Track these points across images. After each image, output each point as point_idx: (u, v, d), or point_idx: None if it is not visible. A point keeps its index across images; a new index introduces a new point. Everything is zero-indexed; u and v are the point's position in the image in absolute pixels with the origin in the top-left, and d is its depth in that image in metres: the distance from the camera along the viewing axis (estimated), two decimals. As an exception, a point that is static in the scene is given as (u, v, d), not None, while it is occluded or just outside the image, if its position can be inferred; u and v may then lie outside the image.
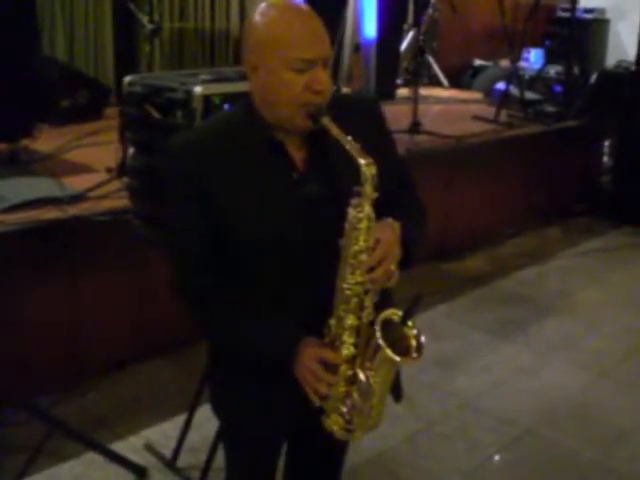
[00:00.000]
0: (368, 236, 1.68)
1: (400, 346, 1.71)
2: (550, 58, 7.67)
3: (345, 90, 5.25)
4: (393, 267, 1.71)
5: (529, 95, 6.54)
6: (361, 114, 1.86)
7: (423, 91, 6.09)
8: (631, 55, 7.11)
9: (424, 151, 5.15)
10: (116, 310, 3.71)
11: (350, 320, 1.73)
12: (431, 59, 7.57)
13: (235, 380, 1.91)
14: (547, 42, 8.34)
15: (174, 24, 6.21)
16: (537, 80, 7.03)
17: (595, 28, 8.61)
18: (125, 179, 3.55)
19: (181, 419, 3.14)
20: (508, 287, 5.10)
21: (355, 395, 1.76)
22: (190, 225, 1.80)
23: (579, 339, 4.39)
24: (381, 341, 1.68)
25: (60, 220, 3.38)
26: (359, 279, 1.70)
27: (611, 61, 8.22)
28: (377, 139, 1.83)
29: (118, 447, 3.16)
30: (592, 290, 5.11)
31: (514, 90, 6.38)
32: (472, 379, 3.91)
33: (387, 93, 6.44)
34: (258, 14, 1.72)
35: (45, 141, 4.38)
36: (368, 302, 1.73)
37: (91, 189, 3.69)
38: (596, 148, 6.96)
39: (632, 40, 7.04)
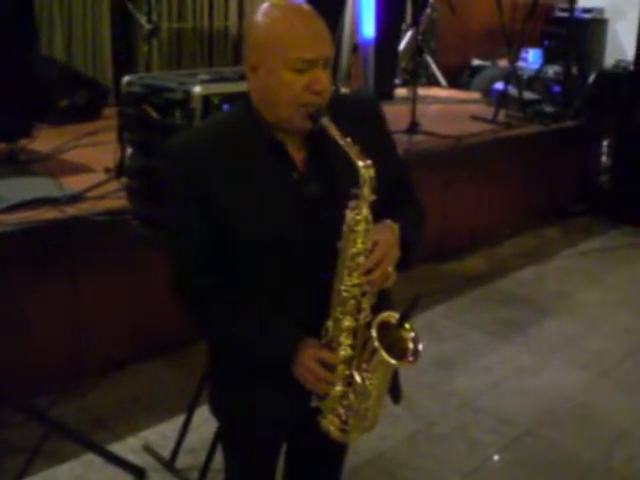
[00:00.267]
0: (366, 238, 1.68)
1: (397, 349, 1.70)
2: (548, 58, 7.68)
3: (344, 90, 5.24)
4: (390, 269, 1.71)
5: (527, 95, 6.54)
6: (361, 114, 1.85)
7: (421, 91, 6.09)
8: (629, 55, 7.13)
9: (422, 151, 5.15)
10: (115, 310, 3.70)
11: (347, 322, 1.73)
12: (429, 59, 7.57)
13: (234, 380, 1.91)
14: (545, 42, 8.35)
15: (172, 24, 6.21)
16: (535, 80, 7.02)
17: (593, 28, 8.62)
18: (123, 179, 3.54)
19: (180, 420, 3.13)
20: (507, 287, 5.09)
21: (351, 396, 1.76)
22: (189, 226, 1.79)
23: (578, 339, 4.39)
24: (377, 344, 1.68)
25: (59, 220, 3.38)
26: (356, 281, 1.70)
27: (609, 61, 8.24)
28: (377, 139, 1.83)
29: (117, 448, 3.15)
30: (591, 290, 5.10)
31: (512, 90, 6.37)
32: (471, 379, 3.91)
33: (385, 93, 6.43)
34: (260, 14, 1.72)
35: (43, 141, 4.38)
36: (365, 304, 1.73)
37: (89, 189, 3.69)
38: (595, 148, 6.96)
39: (630, 40, 7.04)
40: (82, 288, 3.57)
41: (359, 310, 1.72)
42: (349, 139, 1.66)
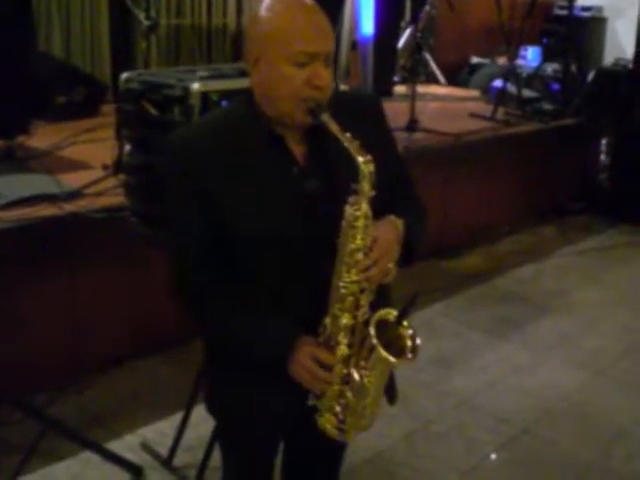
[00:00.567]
0: (365, 234, 1.68)
1: (395, 346, 1.70)
2: (547, 56, 7.67)
3: (343, 87, 5.24)
4: (390, 265, 1.71)
5: (526, 93, 6.54)
6: (361, 111, 1.85)
7: (420, 88, 6.08)
8: (628, 53, 7.12)
9: (421, 149, 5.15)
10: (113, 307, 3.70)
11: (345, 319, 1.72)
12: (428, 56, 7.57)
13: (231, 378, 1.90)
14: (544, 40, 8.33)
15: (171, 20, 6.19)
16: (534, 78, 7.02)
17: (592, 26, 8.60)
18: (122, 176, 3.53)
19: (178, 417, 3.13)
20: (505, 285, 5.09)
21: (349, 394, 1.76)
22: (188, 222, 1.79)
23: (576, 338, 4.39)
24: (375, 341, 1.67)
25: (56, 217, 3.37)
26: (355, 278, 1.69)
27: (608, 59, 8.23)
28: (377, 136, 1.82)
29: (114, 446, 3.15)
30: (589, 289, 5.10)
31: (511, 88, 6.37)
32: (469, 378, 3.91)
33: (384, 90, 6.43)
34: (262, 8, 1.72)
35: (41, 138, 4.37)
36: (364, 301, 1.72)
37: (87, 186, 3.68)
38: (594, 146, 6.96)
39: (629, 38, 7.04)
40: (80, 285, 3.56)
41: (357, 307, 1.72)
42: (349, 135, 1.66)
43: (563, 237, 6.06)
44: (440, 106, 6.81)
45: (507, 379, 3.91)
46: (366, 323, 1.71)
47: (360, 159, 1.65)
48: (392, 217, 1.76)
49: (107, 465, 3.03)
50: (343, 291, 1.70)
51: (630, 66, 6.66)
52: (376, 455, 3.23)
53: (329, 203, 1.73)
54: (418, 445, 3.34)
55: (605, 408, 3.69)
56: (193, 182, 1.74)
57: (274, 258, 1.76)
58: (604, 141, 6.97)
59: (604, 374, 4.00)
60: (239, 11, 6.42)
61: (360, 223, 1.67)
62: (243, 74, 2.87)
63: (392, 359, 1.67)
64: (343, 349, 1.73)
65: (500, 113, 6.14)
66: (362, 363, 1.73)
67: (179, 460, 3.09)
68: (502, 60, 7.58)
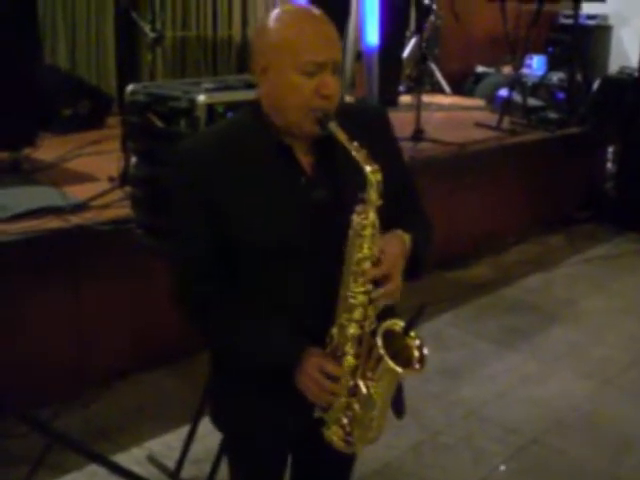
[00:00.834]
0: (372, 244, 1.67)
1: (402, 357, 1.69)
2: (553, 65, 7.66)
3: (348, 98, 5.24)
4: (399, 283, 1.71)
5: (532, 102, 6.53)
6: (368, 123, 1.84)
7: (425, 98, 6.08)
8: (634, 61, 7.12)
9: (427, 159, 5.15)
10: (118, 319, 3.69)
11: (352, 329, 1.71)
12: (433, 66, 7.57)
13: (237, 391, 1.89)
14: (550, 49, 8.33)
15: (176, 32, 6.21)
16: (540, 87, 7.01)
17: (598, 34, 8.60)
18: (127, 188, 3.53)
19: (184, 430, 3.11)
20: (513, 295, 5.07)
21: (356, 406, 1.74)
22: (194, 232, 1.78)
23: (584, 347, 4.37)
24: (383, 352, 1.66)
25: (62, 229, 3.37)
26: (362, 288, 1.68)
27: (614, 67, 8.21)
28: (383, 148, 1.81)
29: (121, 459, 3.14)
30: (597, 298, 5.08)
31: (517, 97, 6.37)
32: (477, 388, 3.89)
33: (390, 100, 6.42)
34: (271, 19, 1.73)
35: (47, 150, 4.38)
36: (371, 312, 1.71)
37: (93, 198, 3.68)
38: (599, 155, 6.94)
39: (635, 46, 7.05)
40: (85, 297, 3.56)
41: (365, 318, 1.71)
42: (356, 144, 1.66)
43: (570, 246, 6.04)
44: (445, 116, 6.80)
45: (515, 389, 3.89)
46: (373, 333, 1.70)
47: (368, 168, 1.64)
48: (399, 231, 1.76)
49: (114, 478, 3.02)
50: (352, 301, 1.69)
51: (635, 74, 6.65)
52: (384, 466, 3.22)
53: (336, 213, 1.73)
54: (426, 456, 3.33)
55: (613, 417, 3.67)
56: (199, 192, 1.74)
57: (280, 268, 1.75)
58: (610, 149, 6.97)
59: (612, 384, 3.98)
60: (244, 23, 6.42)
61: (367, 232, 1.67)
62: (249, 86, 2.89)
63: (399, 369, 1.66)
64: (350, 360, 1.72)
65: (505, 122, 6.13)
66: (369, 374, 1.72)
67: (186, 473, 3.07)
68: (507, 69, 7.59)
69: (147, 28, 4.45)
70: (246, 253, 1.75)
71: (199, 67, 6.37)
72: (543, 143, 6.10)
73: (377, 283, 1.69)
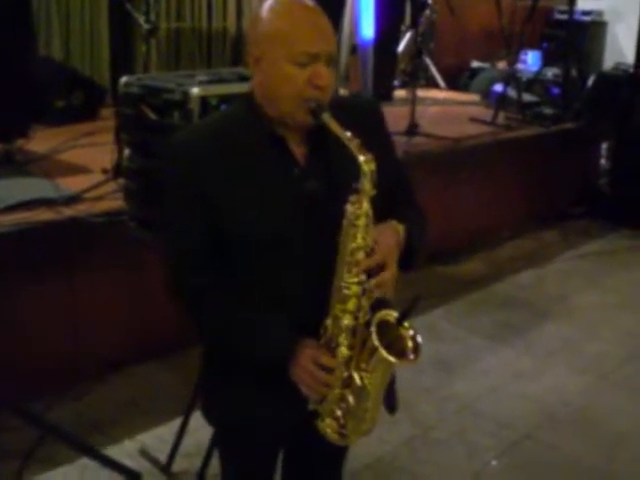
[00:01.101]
0: (366, 234, 1.67)
1: (396, 348, 1.68)
2: (548, 60, 7.67)
3: (342, 91, 5.23)
4: (394, 273, 1.70)
5: (526, 97, 6.53)
6: (361, 116, 1.83)
7: (420, 93, 6.06)
8: (629, 57, 7.12)
9: (422, 153, 5.14)
10: (111, 312, 3.68)
11: (346, 320, 1.70)
12: (428, 60, 7.56)
13: (229, 385, 1.88)
14: (545, 44, 8.33)
15: (171, 24, 6.19)
16: (534, 82, 7.02)
17: (593, 30, 8.61)
18: (121, 180, 3.52)
19: (176, 423, 3.10)
20: (506, 290, 5.07)
21: (350, 398, 1.74)
22: (188, 225, 1.78)
23: (578, 342, 4.37)
24: (377, 342, 1.66)
25: (56, 221, 3.35)
26: (356, 279, 1.68)
27: (609, 63, 8.23)
28: (376, 141, 1.80)
29: (113, 452, 3.13)
30: (590, 293, 5.09)
31: (511, 92, 6.37)
32: (470, 383, 3.89)
33: (384, 94, 6.42)
34: (265, 9, 1.72)
35: (40, 142, 4.36)
36: (365, 302, 1.71)
37: (87, 190, 3.66)
38: (594, 151, 6.95)
39: (630, 42, 7.04)
40: (79, 290, 3.55)
41: (359, 309, 1.71)
42: (349, 134, 1.65)
43: (564, 242, 6.05)
44: (440, 110, 6.80)
45: (509, 384, 3.89)
46: (367, 324, 1.70)
47: (361, 158, 1.64)
48: (393, 222, 1.76)
49: (105, 471, 3.01)
50: (345, 292, 1.69)
51: (630, 70, 6.65)
52: (376, 460, 3.21)
53: (330, 204, 1.72)
54: (419, 451, 3.32)
55: (607, 413, 3.67)
56: (192, 185, 1.73)
57: (274, 260, 1.75)
58: (604, 145, 6.97)
59: (606, 379, 3.99)
60: (239, 15, 6.41)
61: (361, 222, 1.66)
62: (242, 78, 2.88)
63: (393, 360, 1.66)
64: (344, 351, 1.72)
65: (500, 117, 6.14)
66: (363, 365, 1.72)
67: (178, 466, 3.07)
68: (502, 64, 7.59)
69: (141, 19, 4.42)
70: (240, 245, 1.74)
71: (193, 59, 6.35)
72: (538, 138, 6.10)
73: (371, 275, 1.69)
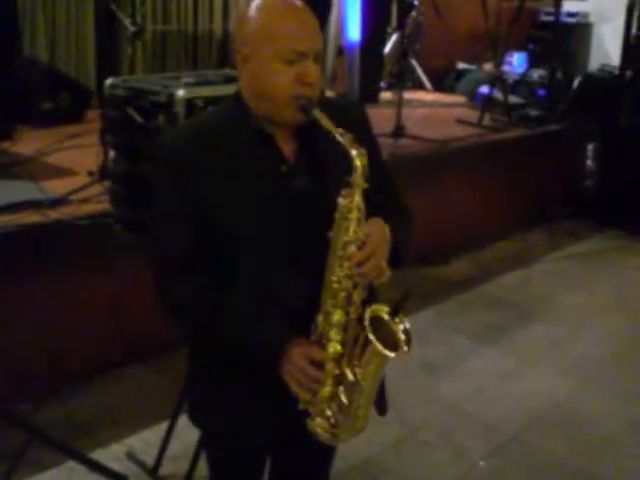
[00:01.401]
0: (358, 227, 1.68)
1: (388, 343, 1.69)
2: (533, 62, 7.70)
3: (329, 93, 5.23)
4: (383, 263, 1.70)
5: (512, 99, 6.55)
6: (346, 117, 1.83)
7: (406, 95, 6.08)
8: (614, 59, 7.16)
9: (408, 155, 5.15)
10: (98, 315, 3.67)
11: (337, 315, 1.71)
12: (415, 62, 7.57)
13: (216, 389, 1.88)
14: (530, 46, 8.37)
15: (157, 26, 6.18)
16: (520, 84, 7.04)
17: (578, 32, 8.63)
18: (106, 183, 3.51)
19: (164, 426, 3.10)
20: (492, 292, 5.09)
21: (342, 396, 1.74)
22: (176, 225, 1.78)
23: (563, 344, 4.39)
24: (371, 335, 1.66)
25: (41, 224, 3.34)
26: (347, 272, 1.68)
27: (594, 65, 8.26)
28: (361, 143, 1.80)
29: (100, 455, 3.12)
30: (576, 294, 5.11)
31: (497, 94, 6.39)
32: (457, 384, 3.90)
33: (370, 96, 6.43)
34: (252, 8, 1.73)
35: (26, 144, 4.35)
36: (356, 297, 1.71)
37: (72, 193, 3.65)
38: (579, 152, 6.97)
39: (615, 44, 7.07)
40: (64, 292, 3.53)
41: (350, 303, 1.71)
42: (341, 129, 1.66)
43: (550, 243, 6.07)
44: (426, 112, 6.81)
45: (495, 385, 3.90)
46: (359, 320, 1.71)
47: (353, 152, 1.66)
48: (379, 219, 1.75)
49: (92, 475, 3.00)
50: (336, 286, 1.70)
51: (616, 72, 6.68)
52: (364, 462, 3.22)
53: (318, 200, 1.73)
54: (406, 452, 3.33)
55: (593, 415, 3.69)
56: (180, 186, 1.74)
57: (263, 257, 1.75)
58: (590, 147, 6.99)
59: (592, 380, 4.00)
60: (226, 17, 6.40)
61: (353, 215, 1.67)
62: (229, 80, 2.88)
63: (388, 352, 1.66)
64: (335, 346, 1.72)
65: (486, 119, 6.15)
66: (355, 361, 1.72)
67: (165, 470, 3.06)
68: (488, 66, 7.60)
69: (127, 21, 4.42)
70: (229, 243, 1.74)
71: (179, 61, 6.34)
72: (523, 140, 6.12)
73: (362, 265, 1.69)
